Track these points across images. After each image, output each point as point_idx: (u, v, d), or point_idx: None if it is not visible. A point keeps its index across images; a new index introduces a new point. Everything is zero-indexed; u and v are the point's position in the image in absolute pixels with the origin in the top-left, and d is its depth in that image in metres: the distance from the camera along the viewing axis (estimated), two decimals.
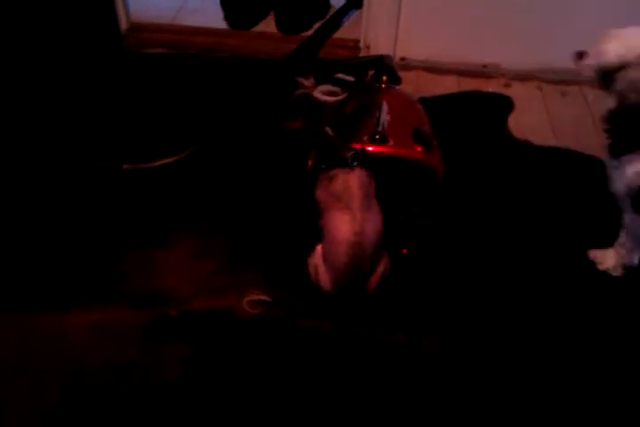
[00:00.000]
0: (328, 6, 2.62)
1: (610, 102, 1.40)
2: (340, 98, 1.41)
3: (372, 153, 1.47)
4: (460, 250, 1.64)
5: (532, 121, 2.14)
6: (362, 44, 2.39)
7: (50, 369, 1.33)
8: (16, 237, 1.64)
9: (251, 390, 1.31)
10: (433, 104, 2.00)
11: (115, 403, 1.28)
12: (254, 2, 2.53)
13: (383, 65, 1.75)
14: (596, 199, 1.80)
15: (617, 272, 1.56)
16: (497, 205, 1.78)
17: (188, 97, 2.15)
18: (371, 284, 1.44)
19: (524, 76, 2.34)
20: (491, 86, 2.30)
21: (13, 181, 1.80)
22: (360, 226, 1.37)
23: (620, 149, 1.41)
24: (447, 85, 2.29)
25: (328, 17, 2.52)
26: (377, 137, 1.50)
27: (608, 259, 1.57)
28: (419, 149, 1.54)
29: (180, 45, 2.45)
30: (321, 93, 1.40)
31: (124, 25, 2.49)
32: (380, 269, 1.45)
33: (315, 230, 1.45)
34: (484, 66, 2.36)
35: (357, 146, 1.48)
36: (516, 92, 2.28)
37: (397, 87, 1.74)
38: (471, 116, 2.15)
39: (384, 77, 1.69)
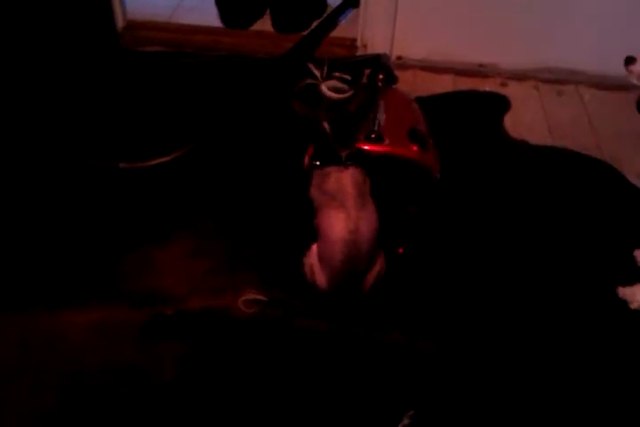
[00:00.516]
0: (325, 5, 2.62)
1: None
2: (344, 96, 1.39)
3: (367, 152, 1.47)
4: (456, 249, 1.64)
5: (529, 120, 2.14)
6: (359, 43, 2.39)
7: (50, 369, 1.33)
8: (15, 238, 1.63)
9: (246, 389, 1.31)
10: (429, 103, 2.00)
11: (114, 402, 1.28)
12: (250, 1, 2.53)
13: (380, 64, 1.75)
14: (591, 198, 1.81)
15: None
16: (493, 204, 1.78)
17: (185, 95, 2.15)
18: (367, 283, 1.44)
19: (520, 76, 2.34)
20: (487, 86, 2.30)
21: (11, 182, 1.80)
22: (355, 224, 1.37)
23: None
24: (444, 85, 2.29)
25: (325, 16, 2.54)
26: (373, 136, 1.49)
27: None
28: (415, 148, 1.54)
29: (176, 44, 2.44)
30: (327, 88, 1.38)
31: (120, 23, 2.48)
32: (376, 268, 1.45)
33: (310, 229, 1.45)
34: (481, 65, 2.36)
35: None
36: (513, 91, 2.28)
37: (394, 86, 1.74)
38: (467, 115, 2.15)
39: (380, 76, 1.69)
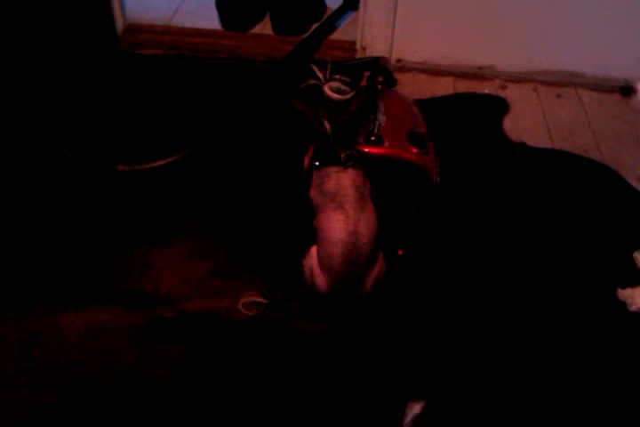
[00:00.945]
0: (324, 8, 2.62)
1: None
2: (346, 97, 1.39)
3: (367, 154, 1.47)
4: (456, 251, 1.64)
5: (528, 123, 2.14)
6: (358, 46, 2.39)
7: (49, 369, 1.33)
8: (14, 239, 1.63)
9: (246, 391, 1.31)
10: (429, 106, 2.00)
11: (112, 404, 1.28)
12: (250, 4, 2.54)
13: (379, 67, 1.75)
14: (590, 200, 1.82)
15: None
16: (492, 206, 1.78)
17: (184, 98, 2.15)
18: (366, 285, 1.43)
19: (519, 78, 2.35)
20: (486, 88, 2.31)
21: (11, 183, 1.80)
22: (354, 226, 1.37)
23: None
24: (443, 87, 2.30)
25: (324, 19, 2.54)
26: (372, 138, 1.50)
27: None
28: (414, 150, 1.54)
29: (176, 47, 2.44)
30: (329, 90, 1.39)
31: (120, 26, 2.48)
32: (376, 269, 1.44)
33: (310, 231, 1.45)
34: (480, 68, 2.37)
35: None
36: (512, 93, 2.28)
37: (394, 89, 1.74)
38: (467, 117, 2.15)
39: (380, 79, 1.69)
